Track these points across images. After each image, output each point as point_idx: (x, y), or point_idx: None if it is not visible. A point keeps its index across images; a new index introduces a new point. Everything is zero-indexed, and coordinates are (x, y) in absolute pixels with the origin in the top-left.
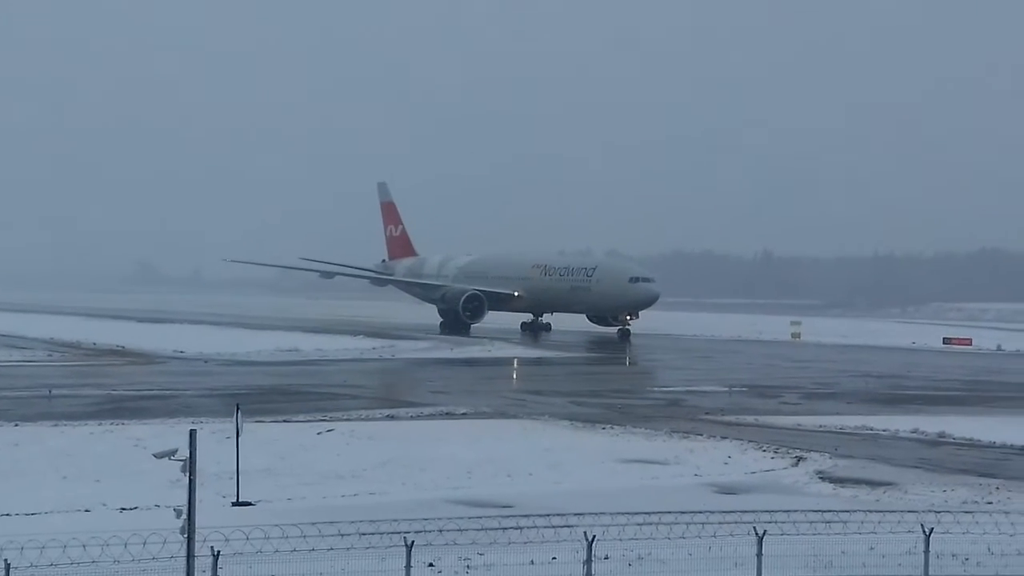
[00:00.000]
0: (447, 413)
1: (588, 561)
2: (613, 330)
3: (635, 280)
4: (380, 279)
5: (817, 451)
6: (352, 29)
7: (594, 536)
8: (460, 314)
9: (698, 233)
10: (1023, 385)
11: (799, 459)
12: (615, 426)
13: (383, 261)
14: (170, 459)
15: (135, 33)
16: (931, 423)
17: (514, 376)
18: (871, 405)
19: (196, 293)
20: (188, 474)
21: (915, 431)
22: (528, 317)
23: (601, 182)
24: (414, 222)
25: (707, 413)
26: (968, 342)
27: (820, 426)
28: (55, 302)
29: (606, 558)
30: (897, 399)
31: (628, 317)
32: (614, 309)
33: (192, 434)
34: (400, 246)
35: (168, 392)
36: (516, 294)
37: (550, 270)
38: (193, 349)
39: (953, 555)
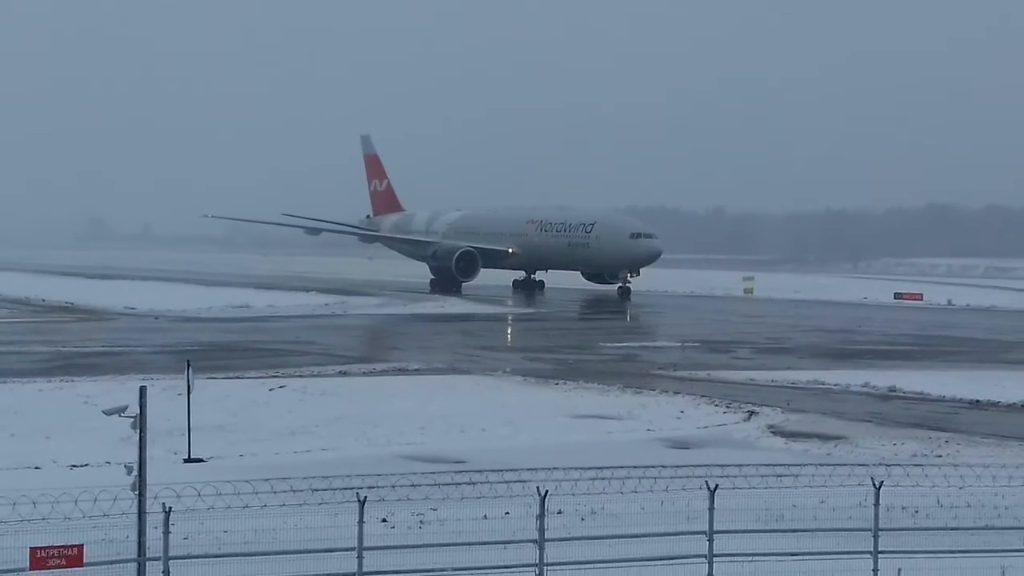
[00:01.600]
0: (400, 369)
1: (541, 516)
2: (610, 288)
3: (636, 236)
4: (367, 236)
5: (769, 406)
6: None
7: (547, 491)
8: (453, 272)
9: (651, 188)
10: (973, 339)
11: (751, 414)
12: (568, 381)
13: (367, 217)
14: (120, 416)
15: None
16: (882, 377)
17: (468, 332)
18: (823, 360)
19: (146, 250)
20: (138, 431)
21: (866, 385)
22: (521, 275)
23: (559, 139)
24: (399, 177)
25: (660, 368)
26: (919, 297)
27: (772, 381)
28: (3, 258)
29: (559, 512)
30: (848, 354)
31: (629, 274)
32: (614, 266)
33: (142, 390)
34: (385, 201)
35: (118, 349)
36: (511, 251)
37: (546, 226)
38: (144, 306)
39: (903, 507)
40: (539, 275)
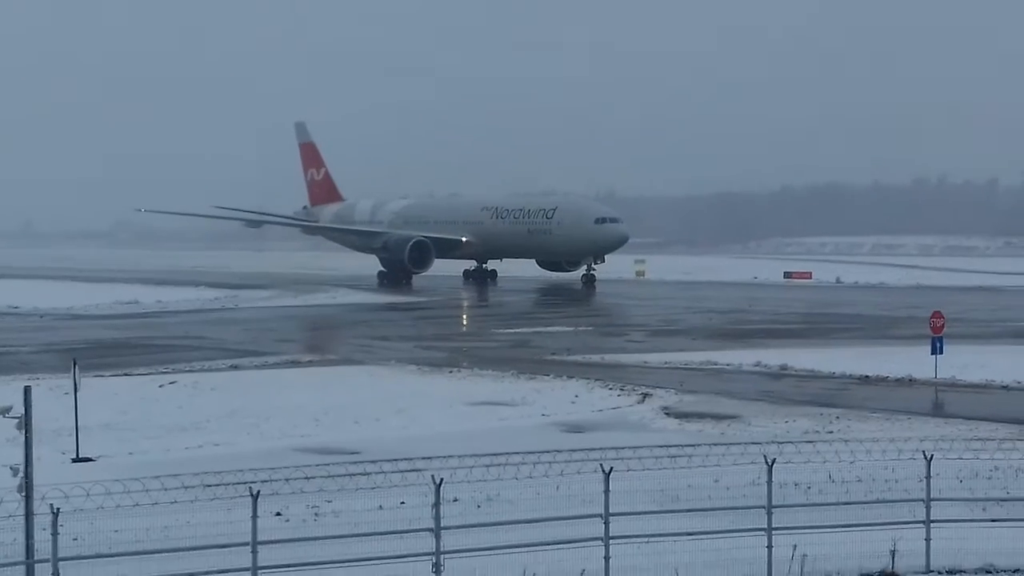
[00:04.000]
0: (292, 361)
1: (437, 504)
2: (567, 276)
3: (601, 221)
4: (309, 227)
5: (663, 387)
6: None
7: (442, 479)
8: (406, 263)
9: (536, 172)
10: (861, 316)
11: (645, 396)
12: (462, 369)
13: (304, 208)
14: (5, 416)
15: None
16: (773, 356)
17: (360, 323)
18: (715, 340)
19: (28, 247)
20: (24, 431)
21: (758, 364)
22: (471, 264)
23: (441, 123)
24: (336, 165)
25: (553, 353)
26: (808, 276)
27: (665, 363)
28: None
29: (455, 500)
30: (740, 333)
31: (593, 261)
32: (578, 253)
33: (27, 390)
34: (324, 191)
35: (1, 349)
36: (464, 239)
37: (502, 212)
38: (27, 304)
39: (796, 484)
40: (491, 264)
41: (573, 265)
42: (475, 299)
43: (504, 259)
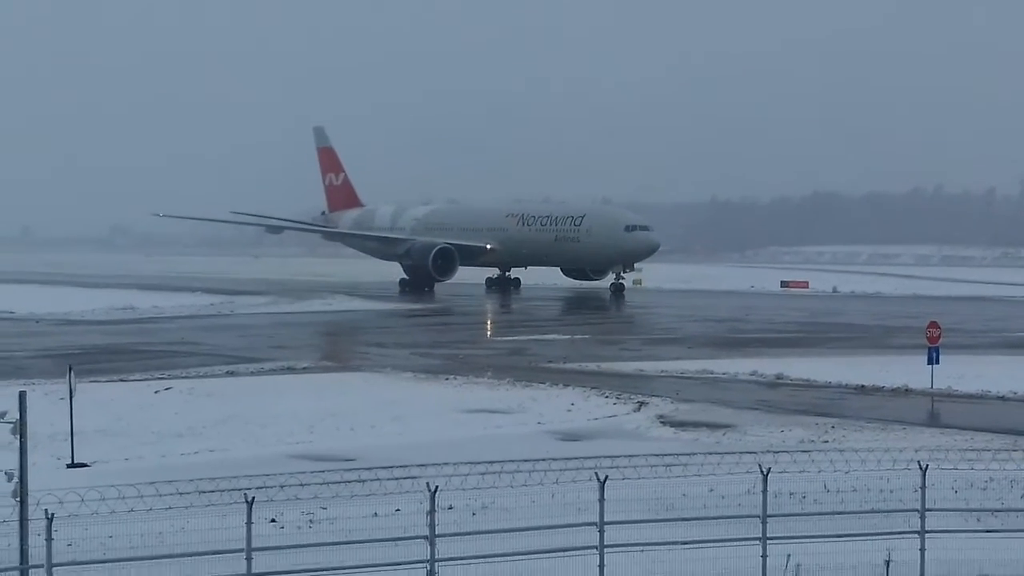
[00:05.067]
0: (288, 368)
1: (432, 512)
2: (592, 284)
3: (631, 228)
4: (329, 233)
5: (659, 396)
6: None
7: (437, 486)
8: (430, 270)
9: (535, 179)
10: (858, 326)
11: (641, 404)
12: (458, 376)
13: (323, 213)
14: (0, 422)
15: None
16: (769, 365)
17: (357, 329)
18: (711, 349)
19: (25, 252)
20: (19, 436)
21: (754, 373)
22: (494, 272)
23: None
24: (354, 171)
25: (550, 361)
26: (805, 285)
27: (662, 371)
28: None
29: (450, 508)
30: (736, 342)
31: (623, 270)
32: (607, 262)
33: (22, 395)
34: (342, 197)
35: None
36: (489, 247)
37: (529, 219)
38: (23, 309)
39: (791, 493)
40: (514, 272)
41: (599, 274)
42: (497, 307)
43: (528, 267)
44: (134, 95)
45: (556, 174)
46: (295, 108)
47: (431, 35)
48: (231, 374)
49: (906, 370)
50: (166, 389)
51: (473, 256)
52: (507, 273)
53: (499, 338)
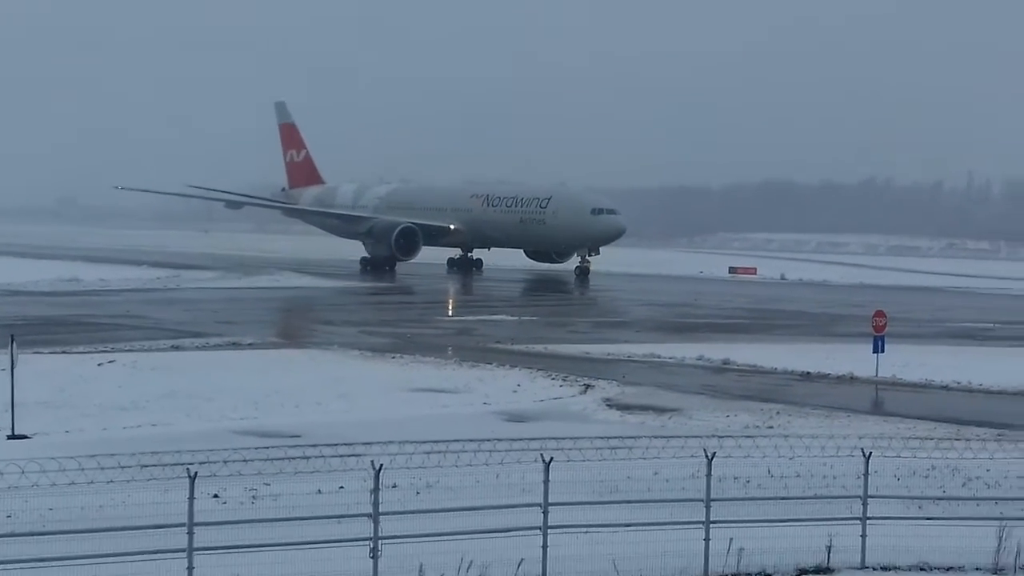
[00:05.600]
0: (234, 343)
1: (376, 490)
2: (556, 267)
3: (598, 212)
4: (290, 210)
5: (605, 379)
6: None
7: (381, 465)
8: (392, 250)
9: (491, 163)
10: (804, 313)
11: (587, 387)
12: (405, 355)
13: (283, 190)
14: None
15: None
16: (716, 350)
17: (304, 306)
18: (658, 333)
19: None
20: None
21: (700, 358)
22: (456, 253)
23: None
24: (316, 147)
25: (497, 342)
26: (753, 271)
27: (608, 354)
28: None
29: (394, 486)
30: (684, 327)
31: (588, 253)
32: (573, 245)
33: None
34: (304, 173)
35: None
36: (452, 227)
37: (494, 200)
38: None
39: (735, 478)
40: (476, 253)
41: (562, 256)
42: (411, 286)
43: (492, 248)
44: (92, 65)
45: (511, 158)
46: (253, 83)
47: (401, 18)
48: (176, 348)
49: (852, 358)
50: (109, 362)
51: (436, 236)
52: (469, 254)
53: (444, 318)
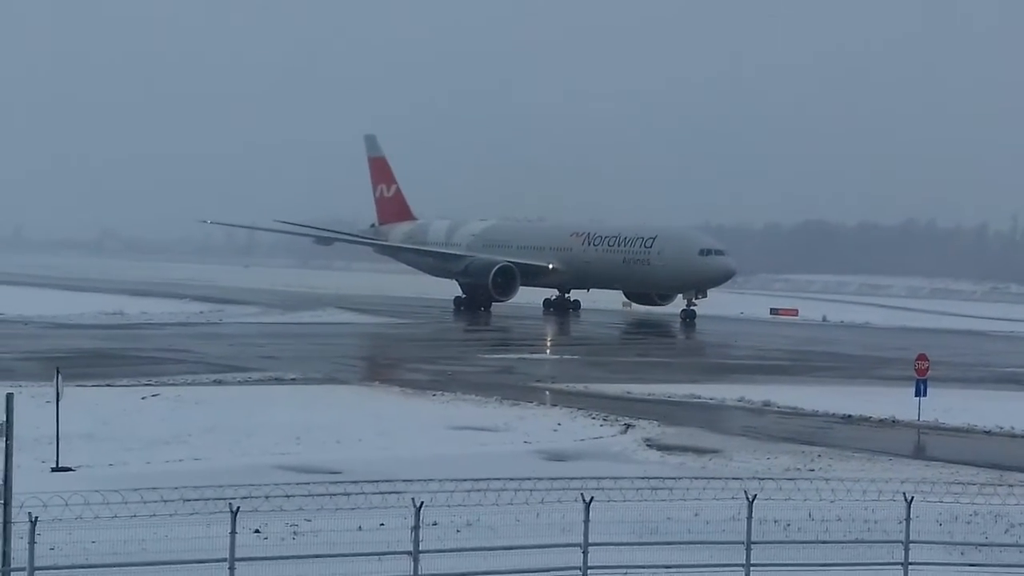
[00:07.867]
0: (276, 378)
1: (416, 527)
2: (660, 311)
3: (706, 252)
4: (383, 248)
5: (646, 419)
6: None
7: (422, 502)
8: (489, 289)
9: (518, 201)
10: (846, 355)
11: (628, 426)
12: (446, 392)
13: (372, 226)
14: None
15: None
16: (757, 392)
17: (347, 343)
18: (699, 374)
19: (17, 253)
20: (5, 439)
21: (741, 400)
22: (552, 293)
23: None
24: (406, 181)
25: (538, 381)
26: (794, 313)
27: (649, 394)
28: None
29: (435, 524)
30: (724, 368)
31: (695, 295)
32: (679, 287)
33: (9, 397)
34: (394, 209)
35: None
36: (551, 266)
37: (595, 239)
38: (12, 311)
39: (775, 521)
40: (574, 294)
41: (665, 299)
42: (462, 325)
43: (590, 289)
44: (143, 93)
45: (551, 191)
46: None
47: (493, 51)
48: (218, 383)
49: (893, 401)
50: (153, 396)
51: (533, 276)
52: (566, 295)
53: (486, 356)
